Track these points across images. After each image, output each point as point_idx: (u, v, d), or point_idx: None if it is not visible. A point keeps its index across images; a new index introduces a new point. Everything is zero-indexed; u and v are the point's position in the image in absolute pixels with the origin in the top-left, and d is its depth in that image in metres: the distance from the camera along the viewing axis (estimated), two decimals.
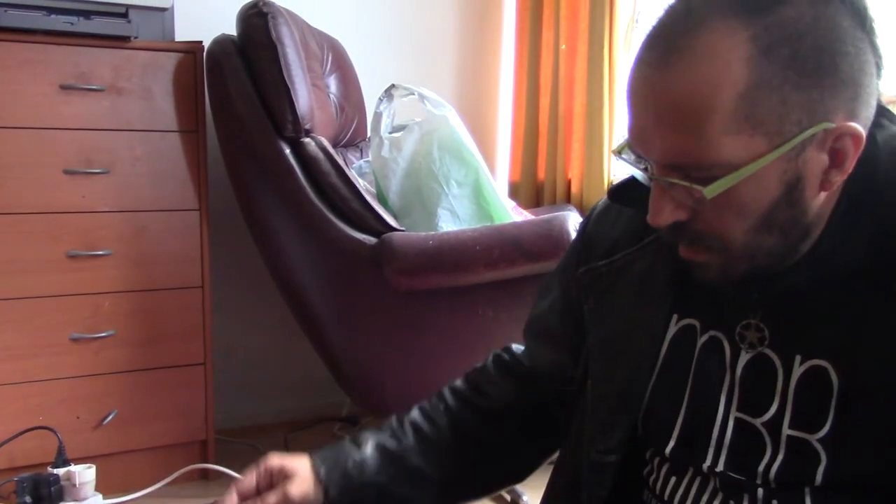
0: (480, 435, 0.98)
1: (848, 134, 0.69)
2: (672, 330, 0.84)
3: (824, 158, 0.70)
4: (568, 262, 0.99)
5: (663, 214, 0.72)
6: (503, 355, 1.04)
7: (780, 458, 0.74)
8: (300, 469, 0.92)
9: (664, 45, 0.69)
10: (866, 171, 0.73)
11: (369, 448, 0.94)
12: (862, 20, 0.69)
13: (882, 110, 0.76)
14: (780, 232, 0.72)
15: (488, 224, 2.13)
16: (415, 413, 0.99)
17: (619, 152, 0.78)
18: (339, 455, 0.95)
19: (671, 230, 0.74)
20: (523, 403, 0.99)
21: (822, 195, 0.72)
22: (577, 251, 0.96)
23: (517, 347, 1.06)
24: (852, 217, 0.74)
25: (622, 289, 0.89)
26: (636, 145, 0.73)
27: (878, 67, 0.71)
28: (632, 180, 0.89)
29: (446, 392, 1.02)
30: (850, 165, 0.71)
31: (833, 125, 0.68)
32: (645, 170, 0.75)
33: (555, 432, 1.02)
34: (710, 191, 0.68)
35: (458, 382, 1.04)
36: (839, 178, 0.72)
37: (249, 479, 0.91)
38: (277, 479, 0.91)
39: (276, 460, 0.93)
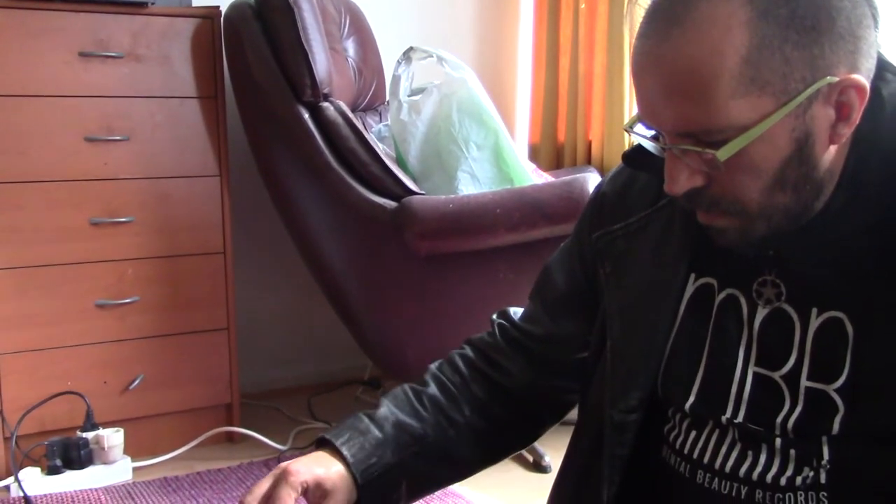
0: (498, 412, 0.99)
1: (851, 86, 0.70)
2: (690, 289, 0.85)
3: (830, 112, 0.71)
4: (581, 228, 0.99)
5: (679, 182, 0.74)
6: (510, 329, 1.03)
7: (798, 409, 0.76)
8: (337, 483, 0.88)
9: (664, 17, 0.71)
10: (873, 126, 0.74)
11: (389, 427, 0.94)
12: None
13: (885, 64, 0.77)
14: (794, 190, 0.73)
15: (508, 187, 2.12)
16: (433, 388, 0.98)
17: (630, 127, 0.79)
18: (369, 449, 0.91)
19: (688, 197, 0.75)
20: (537, 378, 1.00)
21: (832, 150, 0.73)
22: (591, 217, 0.97)
23: (516, 312, 1.05)
24: (861, 173, 0.75)
25: (638, 251, 0.89)
26: (646, 118, 0.75)
27: (875, 19, 0.72)
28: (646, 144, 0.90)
29: (461, 364, 1.01)
30: (857, 117, 0.72)
31: (836, 79, 0.70)
32: (657, 140, 0.76)
33: (563, 402, 1.03)
34: (723, 153, 0.70)
35: (470, 352, 1.03)
36: (847, 131, 0.73)
37: (262, 488, 0.86)
38: (314, 495, 0.87)
39: (307, 474, 0.86)
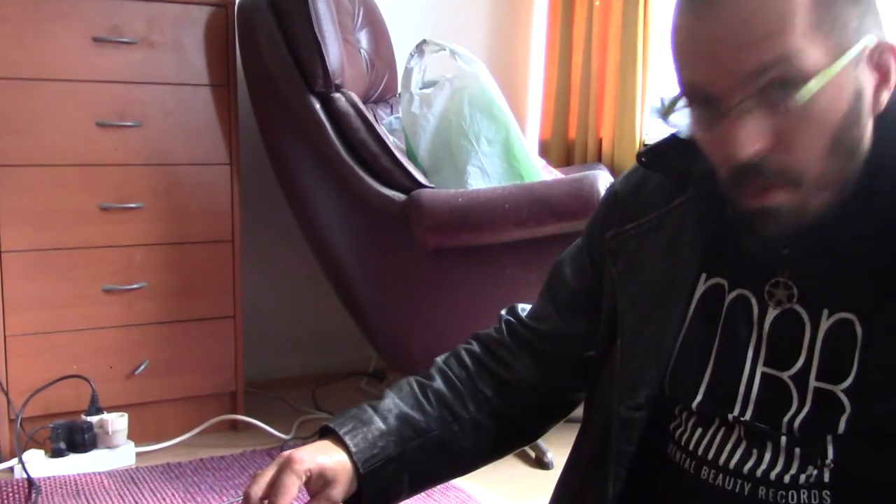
0: (502, 408, 0.99)
1: (888, 49, 0.72)
2: (700, 289, 0.85)
3: (874, 75, 0.73)
4: (593, 228, 0.99)
5: (746, 144, 0.71)
6: (517, 326, 1.03)
7: (805, 409, 0.76)
8: (340, 473, 0.88)
9: None
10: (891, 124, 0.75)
11: (393, 419, 0.94)
12: None
13: None
14: (845, 157, 0.73)
15: (518, 182, 2.12)
16: (438, 382, 0.98)
17: (667, 113, 0.77)
18: (372, 440, 0.91)
19: (747, 170, 0.73)
20: (542, 376, 1.00)
21: (869, 126, 0.74)
22: (604, 216, 0.97)
23: (524, 308, 1.05)
24: (880, 169, 0.75)
25: (651, 251, 0.89)
26: (703, 85, 0.72)
27: None
28: (660, 145, 0.89)
29: (467, 359, 1.01)
30: (894, 83, 0.73)
31: (877, 40, 0.72)
32: (709, 115, 0.73)
33: (568, 401, 1.03)
34: (802, 95, 0.69)
35: (476, 347, 1.03)
36: (886, 97, 0.74)
37: (266, 476, 0.86)
38: (316, 484, 0.87)
39: (311, 462, 0.86)
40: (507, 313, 1.05)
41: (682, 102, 0.76)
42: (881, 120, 0.75)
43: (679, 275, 0.86)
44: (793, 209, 0.74)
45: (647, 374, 0.86)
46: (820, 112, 0.70)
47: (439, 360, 1.02)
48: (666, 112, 0.78)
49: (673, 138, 0.90)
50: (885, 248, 0.74)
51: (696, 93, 0.74)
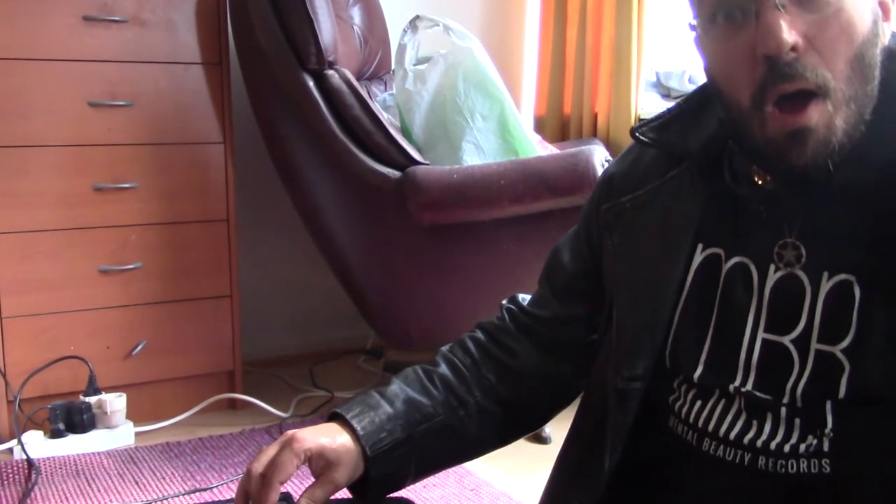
0: (507, 394, 0.99)
1: None
2: (697, 259, 0.85)
3: (878, 8, 0.76)
4: (590, 209, 0.99)
5: (786, 33, 0.72)
6: (518, 314, 1.03)
7: (807, 373, 0.77)
8: (342, 455, 0.88)
9: None
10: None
11: (400, 404, 0.94)
12: None
13: None
14: (864, 77, 0.74)
15: (513, 158, 2.12)
16: (443, 368, 0.99)
17: (714, 14, 0.76)
18: (379, 423, 0.91)
19: (779, 72, 0.73)
20: (546, 362, 1.00)
21: (878, 55, 0.76)
22: (599, 197, 0.97)
23: (524, 298, 1.06)
24: (885, 114, 0.76)
25: (646, 223, 0.90)
26: None
27: None
28: (653, 120, 0.90)
29: (471, 346, 1.02)
30: (890, 21, 0.77)
31: None
32: (738, 21, 0.74)
33: (573, 387, 1.03)
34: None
35: (480, 335, 1.03)
36: (888, 32, 0.77)
37: (268, 454, 0.86)
38: (318, 465, 0.87)
39: (311, 442, 0.87)
40: (509, 302, 1.06)
41: (705, 21, 0.77)
42: (886, 54, 0.77)
43: (675, 246, 0.86)
44: (821, 131, 0.74)
45: (643, 345, 0.86)
46: (847, 21, 0.73)
47: (444, 348, 1.03)
48: (693, 28, 0.78)
49: (667, 113, 0.91)
50: (884, 202, 0.75)
51: (722, 2, 0.74)
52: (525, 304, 1.05)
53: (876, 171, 0.76)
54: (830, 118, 0.74)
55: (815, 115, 0.73)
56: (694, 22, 0.78)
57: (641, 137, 0.90)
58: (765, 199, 0.81)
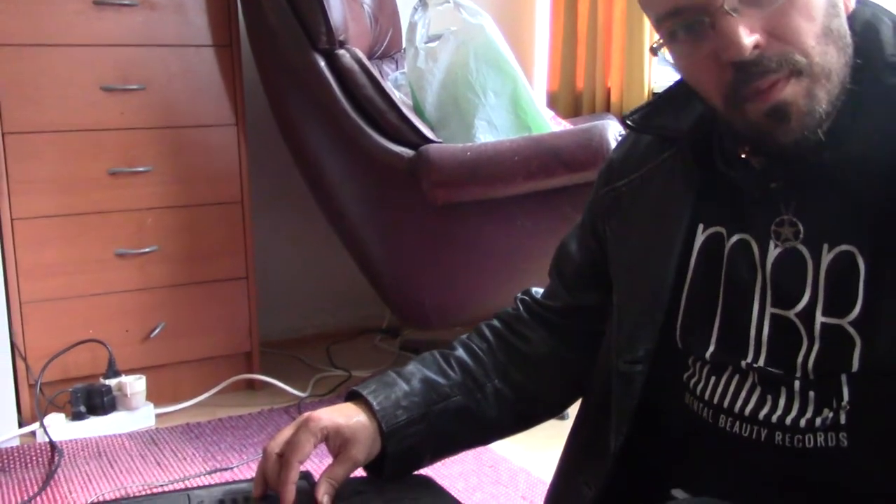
0: (523, 381, 0.99)
1: None
2: (700, 239, 0.85)
3: None
4: (594, 199, 1.00)
5: (745, 36, 0.72)
6: (532, 305, 1.04)
7: (816, 347, 0.76)
8: (358, 431, 0.88)
9: None
10: (871, 36, 0.77)
11: (416, 382, 0.94)
12: None
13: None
14: (837, 46, 0.74)
15: (526, 134, 2.11)
16: (460, 352, 0.99)
17: (656, 46, 0.79)
18: (395, 399, 0.92)
19: (749, 71, 0.74)
20: (561, 350, 1.01)
21: (844, 24, 0.76)
22: (601, 184, 0.98)
23: (538, 291, 1.07)
24: (861, 91, 0.76)
25: (644, 205, 0.90)
26: (684, 3, 0.74)
27: None
28: (645, 106, 0.91)
29: (487, 333, 1.02)
30: None
31: None
32: (695, 35, 0.75)
33: (588, 374, 1.03)
34: None
35: (496, 323, 1.04)
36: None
37: (284, 435, 0.87)
38: (335, 443, 0.87)
39: (327, 420, 0.87)
40: (523, 294, 1.07)
41: (666, 39, 0.77)
42: (857, 21, 0.77)
43: (672, 228, 0.86)
44: (801, 102, 0.74)
45: (644, 328, 0.86)
46: (802, 2, 0.72)
47: (461, 336, 1.04)
48: (655, 51, 0.79)
49: (658, 98, 0.92)
50: (873, 174, 0.74)
51: (677, 18, 0.75)
52: (538, 296, 1.06)
53: (865, 140, 0.75)
54: (809, 90, 0.74)
55: (791, 90, 0.74)
56: (656, 44, 0.79)
57: (632, 125, 0.91)
58: (758, 180, 0.81)
